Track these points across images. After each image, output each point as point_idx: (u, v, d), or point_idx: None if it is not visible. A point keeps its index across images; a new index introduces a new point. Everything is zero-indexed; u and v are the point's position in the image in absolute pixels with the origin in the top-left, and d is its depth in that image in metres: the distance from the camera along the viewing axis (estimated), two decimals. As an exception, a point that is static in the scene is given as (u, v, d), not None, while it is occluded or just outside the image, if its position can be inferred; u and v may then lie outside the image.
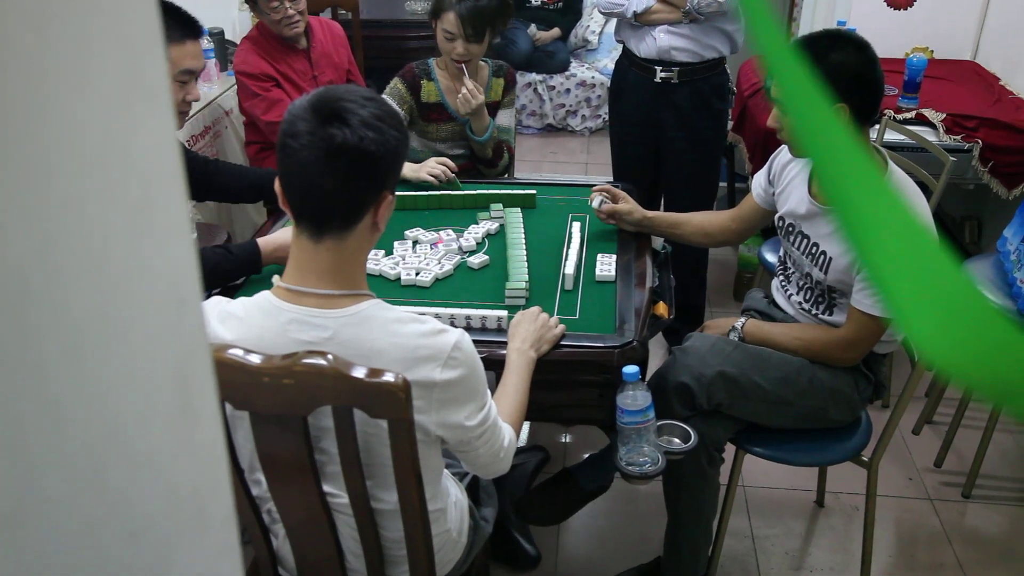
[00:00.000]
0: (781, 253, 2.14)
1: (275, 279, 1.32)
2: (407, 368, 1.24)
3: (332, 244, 1.26)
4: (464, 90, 2.41)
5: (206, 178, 2.27)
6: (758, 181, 2.16)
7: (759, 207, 2.16)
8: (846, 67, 1.75)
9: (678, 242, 2.24)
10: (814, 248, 1.94)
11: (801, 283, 2.03)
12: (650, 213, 2.18)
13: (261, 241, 1.93)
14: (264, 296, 1.31)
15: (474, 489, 1.69)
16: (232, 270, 1.87)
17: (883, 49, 3.99)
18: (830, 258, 1.89)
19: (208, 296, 1.40)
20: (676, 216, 2.24)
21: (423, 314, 1.36)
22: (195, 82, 1.97)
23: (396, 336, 1.26)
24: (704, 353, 1.89)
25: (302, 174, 1.22)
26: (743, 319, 2.02)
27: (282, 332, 1.27)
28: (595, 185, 2.25)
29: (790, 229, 2.01)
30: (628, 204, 2.16)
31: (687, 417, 1.85)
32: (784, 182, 2.05)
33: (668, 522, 2.05)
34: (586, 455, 2.15)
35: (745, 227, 2.22)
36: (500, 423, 1.42)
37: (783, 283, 2.12)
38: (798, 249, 1.99)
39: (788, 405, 1.91)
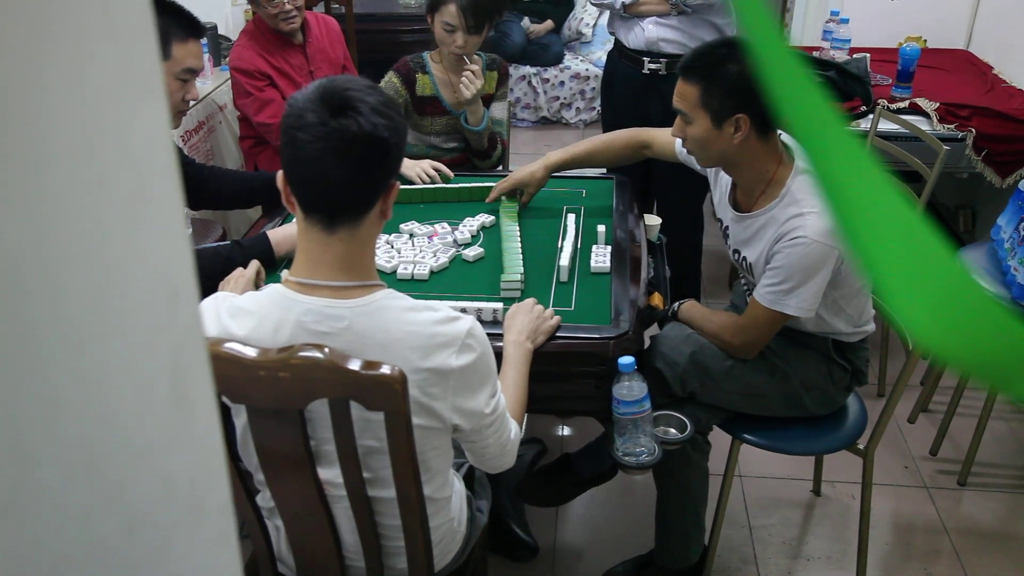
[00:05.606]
0: None
1: (284, 274, 1.31)
2: (423, 356, 1.26)
3: (346, 235, 1.25)
4: (468, 72, 2.42)
5: (200, 185, 2.26)
6: (683, 152, 2.03)
7: (674, 154, 2.15)
8: (744, 77, 1.69)
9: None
10: (737, 255, 1.95)
11: (746, 287, 2.05)
12: (549, 164, 2.25)
13: (270, 233, 1.93)
14: (275, 288, 1.30)
15: (468, 481, 1.69)
16: (244, 264, 1.86)
17: (877, 39, 3.97)
18: (750, 263, 1.88)
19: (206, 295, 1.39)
20: (579, 154, 2.27)
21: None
22: (194, 81, 1.98)
23: (411, 324, 1.27)
24: (678, 341, 1.90)
25: (314, 166, 1.20)
26: (679, 302, 2.03)
27: (298, 324, 1.26)
28: (591, 175, 2.26)
29: (727, 233, 1.99)
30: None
31: (665, 404, 1.86)
32: (720, 191, 2.01)
33: (656, 510, 2.05)
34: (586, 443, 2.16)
35: (660, 155, 2.23)
36: (507, 414, 1.44)
37: (743, 283, 2.13)
38: (734, 257, 1.99)
39: (762, 396, 1.92)
